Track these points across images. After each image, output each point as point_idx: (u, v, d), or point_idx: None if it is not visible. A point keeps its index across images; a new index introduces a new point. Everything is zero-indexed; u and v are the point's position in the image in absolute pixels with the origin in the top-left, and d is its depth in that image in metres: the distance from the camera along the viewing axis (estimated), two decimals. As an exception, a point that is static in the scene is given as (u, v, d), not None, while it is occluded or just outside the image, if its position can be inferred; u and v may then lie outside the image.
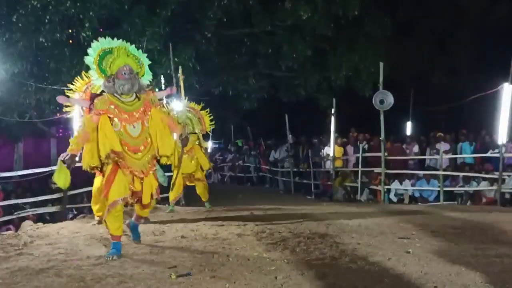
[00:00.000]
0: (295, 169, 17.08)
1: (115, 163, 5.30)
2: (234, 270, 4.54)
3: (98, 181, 6.62)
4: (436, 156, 13.17)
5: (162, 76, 14.91)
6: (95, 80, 5.47)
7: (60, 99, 5.66)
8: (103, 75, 5.35)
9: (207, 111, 10.25)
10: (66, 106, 6.64)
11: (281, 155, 18.91)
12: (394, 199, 13.18)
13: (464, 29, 18.79)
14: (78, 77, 6.78)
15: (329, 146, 15.08)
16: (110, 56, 5.36)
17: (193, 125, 9.85)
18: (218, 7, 15.34)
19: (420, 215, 8.49)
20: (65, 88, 6.64)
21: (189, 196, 11.49)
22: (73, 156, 5.17)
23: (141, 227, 7.02)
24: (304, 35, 16.63)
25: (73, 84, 6.73)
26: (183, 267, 4.64)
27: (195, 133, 9.96)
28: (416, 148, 14.41)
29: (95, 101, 5.31)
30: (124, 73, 5.29)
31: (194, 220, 7.85)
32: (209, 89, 19.07)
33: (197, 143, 10.00)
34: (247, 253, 5.25)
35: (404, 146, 14.58)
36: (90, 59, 5.36)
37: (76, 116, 7.04)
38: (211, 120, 10.38)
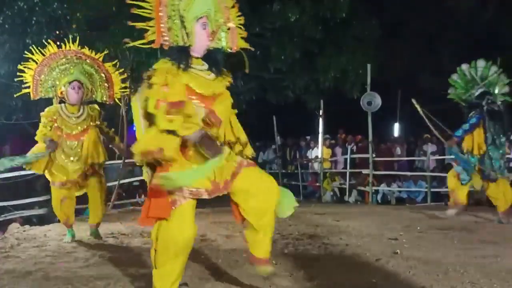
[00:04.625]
0: (283, 171, 17.09)
1: None
2: (223, 271, 4.54)
3: None
4: (424, 158, 13.26)
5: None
6: None
7: None
8: None
9: (115, 69, 6.48)
10: None
11: (269, 156, 18.93)
12: (380, 200, 13.25)
13: (452, 31, 18.91)
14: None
15: (317, 148, 15.14)
16: None
17: (93, 86, 6.24)
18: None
19: (408, 216, 8.54)
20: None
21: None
22: None
23: (130, 229, 7.01)
24: (292, 37, 16.65)
25: None
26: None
27: (95, 102, 6.39)
28: (398, 150, 14.51)
29: None
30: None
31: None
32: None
33: (96, 123, 6.20)
34: (235, 255, 5.25)
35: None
36: None
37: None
38: (124, 88, 6.66)
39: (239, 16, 3.72)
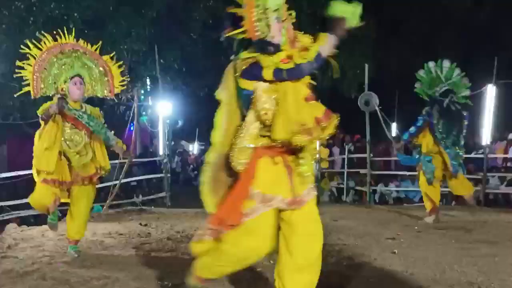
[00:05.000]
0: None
1: None
2: (221, 271, 4.53)
3: None
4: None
5: (147, 77, 14.89)
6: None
7: None
8: None
9: (114, 61, 6.06)
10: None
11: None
12: (377, 200, 13.26)
13: (449, 30, 18.93)
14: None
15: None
16: None
17: (92, 81, 5.88)
18: (204, 8, 15.31)
19: (406, 215, 8.55)
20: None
21: (175, 197, 11.46)
22: None
23: (127, 229, 7.01)
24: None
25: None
26: (169, 270, 4.63)
27: (96, 98, 6.11)
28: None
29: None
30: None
31: (180, 222, 7.83)
32: (195, 91, 19.04)
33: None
34: (233, 255, 5.24)
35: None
36: None
37: None
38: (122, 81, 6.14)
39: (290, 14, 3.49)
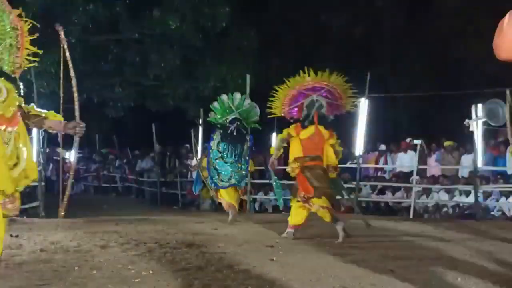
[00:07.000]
0: (162, 179, 16.90)
1: None
2: (98, 283, 4.40)
3: None
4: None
5: (21, 83, 14.15)
6: None
7: None
8: None
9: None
10: None
11: (147, 164, 18.66)
12: (257, 208, 13.51)
13: (327, 45, 19.77)
14: None
15: (196, 157, 15.11)
16: None
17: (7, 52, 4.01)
18: (83, 12, 14.86)
19: (284, 223, 8.75)
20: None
21: (51, 207, 10.95)
22: None
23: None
24: (173, 44, 16.60)
25: None
26: (42, 283, 4.42)
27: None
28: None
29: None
30: None
31: (55, 232, 7.51)
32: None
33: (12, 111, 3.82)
34: (111, 265, 5.11)
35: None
36: None
37: None
38: None
39: None
